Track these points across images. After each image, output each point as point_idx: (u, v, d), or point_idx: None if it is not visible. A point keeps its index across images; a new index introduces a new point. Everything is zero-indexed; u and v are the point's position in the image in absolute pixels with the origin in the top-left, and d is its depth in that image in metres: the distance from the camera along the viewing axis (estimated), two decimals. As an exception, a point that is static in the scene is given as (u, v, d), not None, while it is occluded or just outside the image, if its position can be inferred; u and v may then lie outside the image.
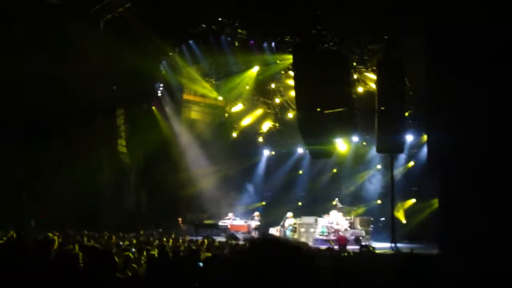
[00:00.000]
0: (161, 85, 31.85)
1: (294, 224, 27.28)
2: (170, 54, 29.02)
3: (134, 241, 18.40)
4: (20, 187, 28.74)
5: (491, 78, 17.40)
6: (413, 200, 27.82)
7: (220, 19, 24.77)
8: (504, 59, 17.03)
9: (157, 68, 29.91)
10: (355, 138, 28.88)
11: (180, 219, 33.04)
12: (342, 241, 23.83)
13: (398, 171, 27.38)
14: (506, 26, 16.92)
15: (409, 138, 26.45)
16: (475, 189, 18.24)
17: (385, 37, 22.04)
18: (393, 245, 21.30)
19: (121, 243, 17.85)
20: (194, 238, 24.70)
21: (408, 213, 27.64)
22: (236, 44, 26.22)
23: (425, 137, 24.10)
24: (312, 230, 26.36)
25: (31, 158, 28.71)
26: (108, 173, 32.96)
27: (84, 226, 24.97)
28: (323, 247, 18.78)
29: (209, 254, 11.30)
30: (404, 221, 27.43)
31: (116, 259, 8.04)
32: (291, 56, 24.47)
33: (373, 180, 30.18)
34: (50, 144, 28.34)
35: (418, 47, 22.12)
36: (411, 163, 28.23)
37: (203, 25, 25.36)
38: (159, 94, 32.38)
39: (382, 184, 29.29)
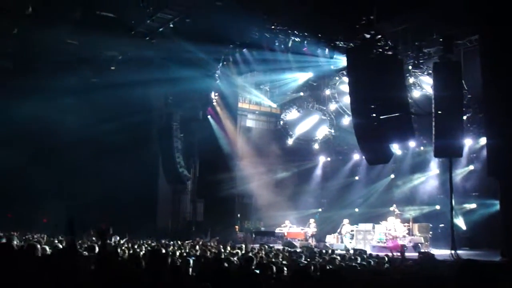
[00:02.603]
0: (216, 94, 32.05)
1: (351, 231, 27.03)
2: (224, 63, 29.18)
3: (191, 249, 18.54)
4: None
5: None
6: (474, 205, 27.16)
7: (273, 26, 24.81)
8: None
9: (211, 78, 30.13)
10: (412, 143, 28.42)
11: (236, 227, 33.15)
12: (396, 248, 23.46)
13: (457, 176, 26.79)
14: None
15: (468, 142, 25.88)
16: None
17: (441, 39, 21.65)
18: (453, 252, 20.75)
19: (178, 251, 18.03)
20: (251, 245, 24.75)
21: (468, 219, 26.99)
22: (290, 51, 26.18)
23: (484, 140, 23.52)
24: (369, 237, 26.06)
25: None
26: (165, 182, 33.42)
27: (143, 234, 25.38)
28: (382, 254, 18.51)
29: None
30: (464, 227, 26.81)
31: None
32: (345, 61, 24.31)
33: (431, 185, 29.62)
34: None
35: (475, 49, 21.68)
36: (471, 167, 27.60)
37: (256, 34, 25.43)
38: (214, 103, 32.60)
39: (440, 189, 28.68)
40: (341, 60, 25.95)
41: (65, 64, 27.29)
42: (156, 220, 32.32)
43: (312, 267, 10.99)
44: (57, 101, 28.74)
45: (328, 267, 10.92)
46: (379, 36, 21.89)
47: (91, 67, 30.07)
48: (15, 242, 13.67)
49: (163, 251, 14.48)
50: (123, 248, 16.13)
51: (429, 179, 29.86)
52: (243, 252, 17.42)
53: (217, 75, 30.29)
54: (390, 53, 22.17)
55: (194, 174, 35.37)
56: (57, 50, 25.73)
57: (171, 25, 24.93)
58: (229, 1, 22.07)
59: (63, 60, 26.61)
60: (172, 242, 22.23)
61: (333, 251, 19.47)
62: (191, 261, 10.35)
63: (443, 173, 27.78)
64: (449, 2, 19.92)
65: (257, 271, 9.80)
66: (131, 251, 14.98)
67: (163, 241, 23.30)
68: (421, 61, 24.45)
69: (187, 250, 17.68)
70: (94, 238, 22.38)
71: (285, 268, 10.08)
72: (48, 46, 24.94)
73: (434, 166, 29.35)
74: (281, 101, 35.98)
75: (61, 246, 13.97)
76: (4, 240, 12.81)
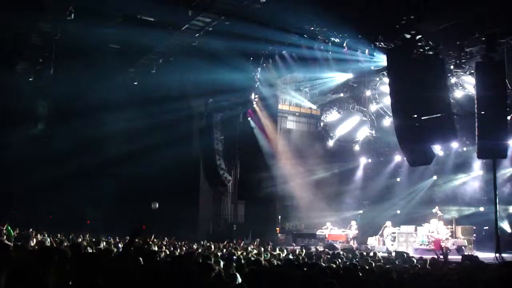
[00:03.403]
0: (256, 96, 32.10)
1: (393, 233, 26.78)
2: (264, 65, 29.21)
3: (232, 251, 18.59)
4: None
5: None
6: (519, 207, 26.64)
7: (312, 28, 24.74)
8: None
9: (251, 79, 30.17)
10: (455, 144, 27.95)
11: (277, 228, 33.15)
12: (437, 246, 23.12)
13: (501, 177, 26.30)
14: None
15: (513, 143, 25.37)
16: None
17: (483, 38, 21.27)
18: (498, 255, 20.32)
19: (219, 253, 18.10)
20: (292, 247, 24.71)
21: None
22: (330, 52, 26.06)
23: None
24: (411, 239, 25.78)
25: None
26: (206, 184, 33.58)
27: (183, 236, 25.54)
28: (425, 256, 18.28)
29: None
30: (509, 230, 26.30)
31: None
32: (386, 61, 24.08)
33: (474, 186, 29.17)
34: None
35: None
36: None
37: (296, 35, 25.40)
38: (254, 105, 32.67)
39: (484, 191, 28.19)
40: (382, 60, 25.69)
41: (106, 69, 27.66)
42: (198, 221, 32.49)
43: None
44: (98, 104, 29.18)
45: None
46: (420, 36, 21.65)
47: (132, 70, 30.51)
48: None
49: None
50: (163, 249, 16.28)
51: (472, 180, 29.42)
52: (284, 254, 17.42)
53: (256, 77, 30.29)
54: (431, 53, 21.89)
55: (235, 176, 35.49)
56: (99, 54, 26.08)
57: (211, 28, 25.10)
58: (268, 3, 22.12)
59: (105, 64, 26.97)
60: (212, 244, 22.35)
61: (375, 253, 19.31)
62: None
63: (487, 174, 27.36)
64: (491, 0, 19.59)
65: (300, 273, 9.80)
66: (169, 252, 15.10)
67: (202, 243, 23.47)
68: (463, 61, 24.05)
69: (228, 252, 17.76)
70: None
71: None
72: (89, 50, 25.31)
73: (477, 167, 28.91)
74: (321, 102, 35.89)
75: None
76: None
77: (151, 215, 29.33)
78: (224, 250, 18.94)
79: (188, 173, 32.20)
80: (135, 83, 30.96)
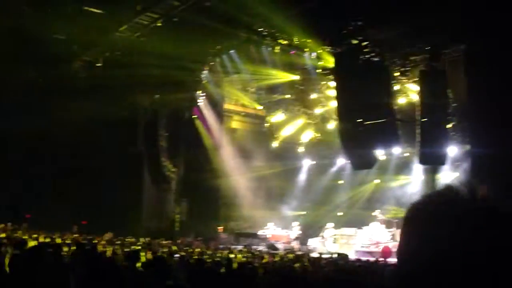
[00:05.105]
0: (203, 94, 32.05)
1: (335, 235, 27.10)
2: (211, 64, 29.19)
3: (174, 248, 18.55)
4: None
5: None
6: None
7: (260, 29, 24.86)
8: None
9: (198, 78, 30.12)
10: (397, 150, 28.52)
11: (220, 228, 33.13)
12: (386, 253, 23.43)
13: (441, 180, 26.93)
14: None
15: (452, 150, 25.99)
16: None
17: (427, 48, 21.80)
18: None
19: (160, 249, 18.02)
20: (234, 247, 24.77)
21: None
22: (277, 54, 26.23)
23: (468, 149, 23.69)
24: (352, 241, 26.15)
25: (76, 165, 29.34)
26: (149, 181, 33.30)
27: (125, 233, 25.22)
28: (366, 259, 18.60)
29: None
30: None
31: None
32: (332, 66, 24.36)
33: (415, 190, 29.78)
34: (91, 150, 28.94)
35: (460, 58, 21.86)
36: (455, 175, 27.75)
37: (244, 35, 25.48)
38: (200, 104, 32.59)
39: (424, 194, 28.75)
40: (329, 63, 25.98)
41: (50, 60, 27.07)
42: (141, 219, 32.16)
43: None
44: (41, 97, 28.52)
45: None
46: (367, 43, 22.01)
47: (78, 63, 29.97)
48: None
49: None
50: (106, 247, 16.10)
51: (413, 184, 30.04)
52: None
53: (203, 76, 30.27)
54: (377, 59, 22.29)
55: (179, 174, 35.30)
56: (44, 44, 25.52)
57: (159, 24, 24.90)
58: (218, 2, 22.12)
59: (49, 55, 26.40)
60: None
61: (320, 254, 19.61)
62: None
63: (427, 178, 28.00)
64: (436, 12, 20.04)
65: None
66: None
67: (145, 240, 23.24)
68: (407, 69, 24.57)
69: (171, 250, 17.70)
70: (76, 235, 22.32)
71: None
72: (35, 40, 24.75)
73: (418, 172, 29.52)
74: (267, 103, 36.00)
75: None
76: None
77: (94, 211, 28.93)
78: (166, 249, 18.83)
79: (131, 169, 31.82)
80: (81, 75, 30.40)
